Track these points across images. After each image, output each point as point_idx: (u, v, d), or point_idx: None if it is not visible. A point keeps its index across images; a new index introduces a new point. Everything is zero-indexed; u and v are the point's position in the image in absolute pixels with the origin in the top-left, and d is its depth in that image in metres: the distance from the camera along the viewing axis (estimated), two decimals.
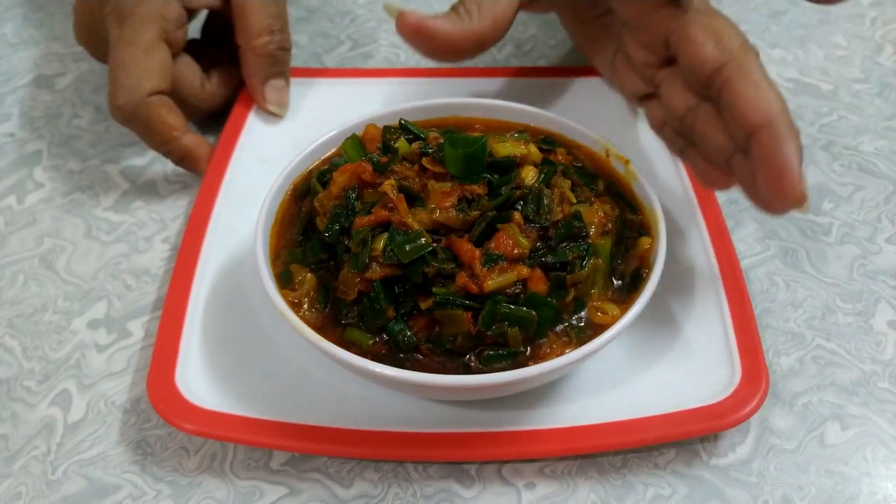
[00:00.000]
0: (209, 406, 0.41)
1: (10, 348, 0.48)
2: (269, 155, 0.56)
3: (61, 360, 0.47)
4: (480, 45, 0.48)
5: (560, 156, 0.46)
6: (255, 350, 0.45)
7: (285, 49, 0.59)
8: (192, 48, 0.59)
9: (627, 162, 0.47)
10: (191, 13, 0.58)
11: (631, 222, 0.45)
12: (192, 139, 0.55)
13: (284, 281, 0.42)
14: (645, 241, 0.43)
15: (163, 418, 0.41)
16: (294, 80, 0.61)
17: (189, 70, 0.58)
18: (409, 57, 0.69)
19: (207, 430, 0.40)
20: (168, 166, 0.59)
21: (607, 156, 0.48)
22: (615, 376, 0.43)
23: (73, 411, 0.44)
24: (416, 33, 0.46)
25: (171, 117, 0.54)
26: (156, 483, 0.41)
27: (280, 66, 0.59)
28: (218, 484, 0.41)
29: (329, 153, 0.49)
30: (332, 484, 0.41)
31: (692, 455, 0.42)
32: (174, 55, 0.56)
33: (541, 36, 0.72)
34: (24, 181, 0.59)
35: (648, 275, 0.41)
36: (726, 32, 0.42)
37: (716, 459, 0.42)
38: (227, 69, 0.61)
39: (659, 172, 0.53)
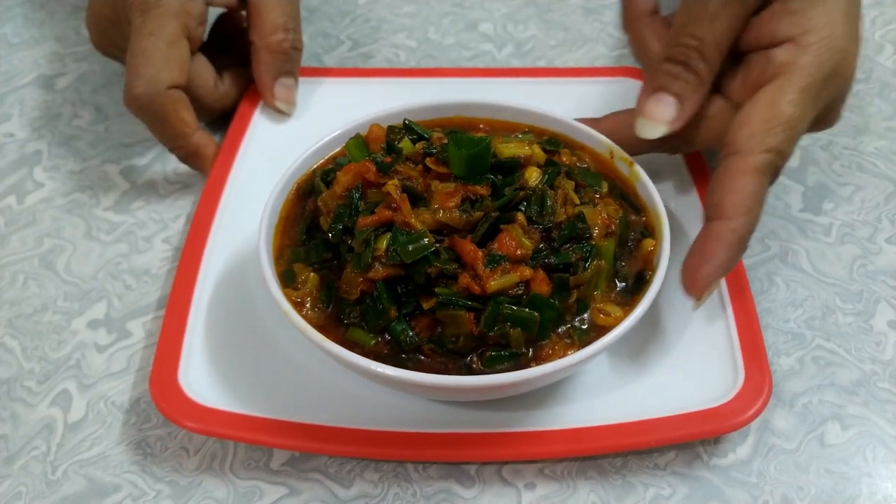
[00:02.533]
0: (211, 404, 0.41)
1: (10, 348, 0.48)
2: (273, 153, 0.56)
3: (61, 360, 0.47)
4: None
5: (564, 157, 0.46)
6: (257, 348, 0.45)
7: (297, 48, 0.59)
8: (202, 50, 0.59)
9: (631, 163, 0.47)
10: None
11: (634, 224, 0.45)
12: (201, 137, 0.55)
13: (287, 280, 0.42)
14: (648, 243, 0.43)
15: (164, 415, 0.41)
16: (300, 79, 0.61)
17: (204, 69, 0.58)
18: (410, 57, 0.69)
19: (209, 427, 0.40)
20: (168, 166, 0.59)
21: (611, 157, 0.48)
22: (618, 378, 0.43)
23: (73, 411, 0.44)
24: None
25: (186, 113, 0.54)
26: (156, 483, 0.41)
27: (291, 64, 0.59)
28: (218, 484, 0.41)
29: (333, 152, 0.49)
30: (332, 484, 0.41)
31: (692, 455, 0.42)
32: (191, 53, 0.56)
33: (541, 36, 0.72)
34: (24, 181, 0.58)
35: (652, 277, 0.41)
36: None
37: (716, 460, 0.42)
38: (238, 72, 0.61)
39: (663, 174, 0.53)
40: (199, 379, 0.43)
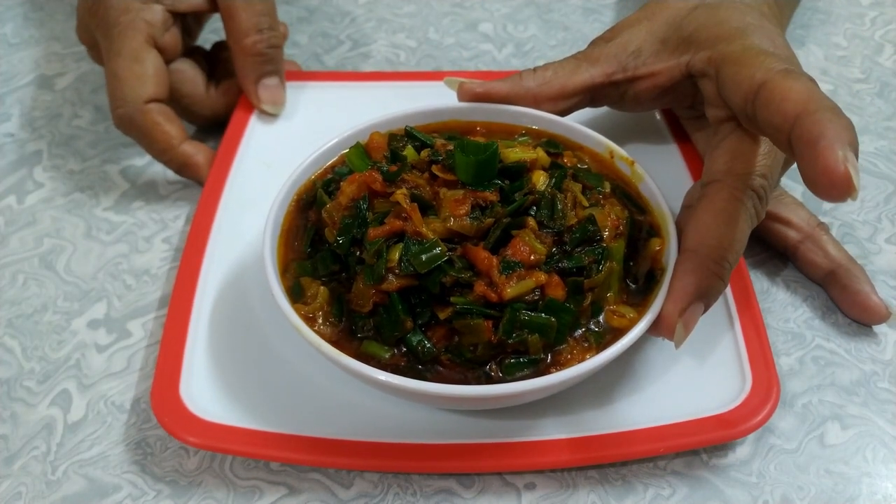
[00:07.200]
0: (213, 418, 0.41)
1: (10, 348, 0.48)
2: (270, 158, 0.55)
3: (61, 360, 0.47)
4: (535, 103, 0.50)
5: (567, 159, 0.45)
6: (258, 360, 0.44)
7: (275, 46, 0.57)
8: (204, 58, 0.58)
9: (633, 163, 0.46)
10: (179, 17, 0.56)
11: (640, 223, 0.44)
12: (190, 147, 0.54)
13: (296, 295, 0.41)
14: (656, 242, 0.42)
15: (167, 431, 0.40)
16: (295, 83, 0.61)
17: (190, 74, 0.57)
18: (410, 57, 0.69)
19: (210, 442, 0.40)
20: None
21: (611, 157, 0.48)
22: (623, 386, 0.43)
23: (73, 411, 0.44)
24: (475, 98, 0.50)
25: (168, 125, 0.53)
26: (156, 483, 0.41)
27: (272, 64, 0.57)
28: (218, 484, 0.41)
29: (331, 162, 0.48)
30: (331, 484, 0.41)
31: (692, 455, 0.42)
32: (169, 60, 0.55)
33: (541, 36, 0.72)
34: (24, 181, 0.59)
35: (662, 276, 0.41)
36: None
37: (716, 460, 0.42)
38: (233, 78, 0.60)
39: (664, 172, 0.52)
40: (200, 392, 0.42)
